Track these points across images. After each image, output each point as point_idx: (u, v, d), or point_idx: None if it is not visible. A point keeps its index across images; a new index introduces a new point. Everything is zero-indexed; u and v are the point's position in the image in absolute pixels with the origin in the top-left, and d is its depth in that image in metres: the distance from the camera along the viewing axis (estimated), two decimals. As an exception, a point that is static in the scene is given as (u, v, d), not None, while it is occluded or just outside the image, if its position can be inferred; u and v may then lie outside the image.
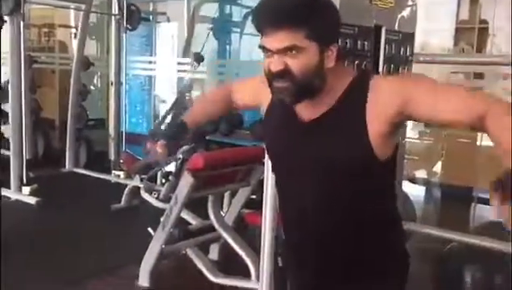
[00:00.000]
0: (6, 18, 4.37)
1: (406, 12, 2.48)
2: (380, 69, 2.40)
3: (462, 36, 5.54)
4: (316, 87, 1.21)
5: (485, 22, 5.31)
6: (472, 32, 5.41)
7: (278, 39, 1.15)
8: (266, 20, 1.18)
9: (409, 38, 2.51)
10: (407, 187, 4.08)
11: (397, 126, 1.22)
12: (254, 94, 1.46)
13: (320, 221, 1.29)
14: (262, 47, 1.20)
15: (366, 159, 1.20)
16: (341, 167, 1.22)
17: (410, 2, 2.51)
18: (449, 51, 5.72)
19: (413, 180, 4.86)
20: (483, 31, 5.37)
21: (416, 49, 2.52)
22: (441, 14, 5.57)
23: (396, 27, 2.44)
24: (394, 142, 1.25)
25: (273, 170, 1.48)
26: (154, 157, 1.53)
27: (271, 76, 1.20)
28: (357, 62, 2.28)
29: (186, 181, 2.78)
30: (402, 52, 2.48)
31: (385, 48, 2.39)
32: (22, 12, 4.31)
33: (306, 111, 1.26)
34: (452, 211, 4.49)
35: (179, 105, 4.93)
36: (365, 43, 2.31)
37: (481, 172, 4.20)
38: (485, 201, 4.18)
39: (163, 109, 7.20)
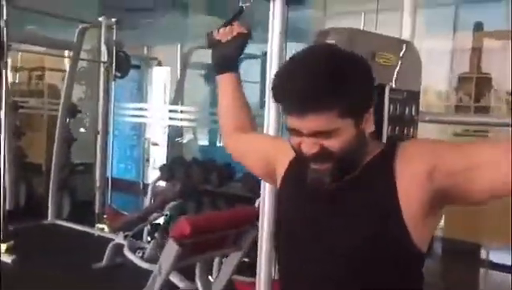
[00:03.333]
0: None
1: (410, 70, 2.31)
2: (384, 130, 2.22)
3: (461, 86, 5.44)
4: (360, 160, 1.06)
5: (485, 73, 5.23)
6: (470, 82, 5.32)
7: (309, 123, 1.00)
8: (291, 104, 1.01)
9: (414, 96, 2.34)
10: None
11: (433, 200, 1.00)
12: (271, 154, 1.25)
13: None
14: (290, 128, 1.04)
15: (400, 242, 1.00)
16: (368, 253, 1.01)
17: (414, 60, 2.34)
18: (448, 99, 5.63)
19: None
20: (482, 81, 5.27)
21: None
22: (438, 62, 5.49)
23: (400, 86, 2.27)
24: (433, 226, 1.06)
25: (282, 245, 1.23)
26: None
27: (305, 158, 1.04)
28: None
29: (171, 250, 2.52)
30: (407, 112, 2.30)
31: (389, 108, 2.22)
32: (5, 60, 4.13)
33: None
34: (457, 271, 4.23)
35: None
36: (368, 103, 2.14)
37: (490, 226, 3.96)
38: (495, 266, 3.94)
39: (154, 152, 7.04)
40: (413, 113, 2.32)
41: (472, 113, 4.79)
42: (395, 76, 2.25)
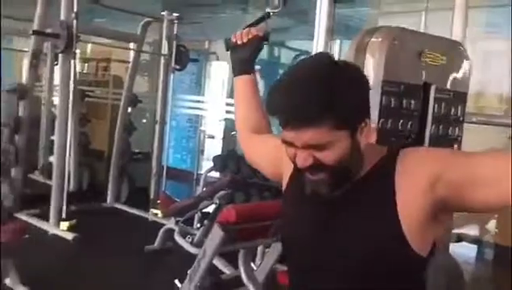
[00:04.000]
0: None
1: (459, 70, 2.31)
2: (427, 130, 2.24)
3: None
4: (356, 170, 1.07)
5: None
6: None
7: (302, 136, 1.01)
8: (284, 118, 1.02)
9: (461, 97, 2.33)
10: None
11: (434, 208, 1.01)
12: (279, 158, 1.22)
13: None
14: (284, 141, 1.05)
15: (398, 251, 1.02)
16: (366, 259, 1.04)
17: (464, 59, 2.33)
18: (507, 102, 5.43)
19: (461, 239, 4.54)
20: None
21: (471, 98, 2.30)
22: (502, 64, 5.30)
23: (447, 86, 2.28)
24: (435, 232, 1.06)
25: (286, 256, 1.27)
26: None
27: (301, 169, 1.05)
28: (401, 122, 2.13)
29: (216, 235, 2.65)
30: (452, 112, 2.30)
31: (434, 108, 2.23)
32: (74, 50, 4.40)
33: None
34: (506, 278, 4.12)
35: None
36: (412, 101, 2.16)
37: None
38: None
39: (208, 144, 7.24)
40: (459, 113, 2.31)
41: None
42: (442, 75, 2.26)
